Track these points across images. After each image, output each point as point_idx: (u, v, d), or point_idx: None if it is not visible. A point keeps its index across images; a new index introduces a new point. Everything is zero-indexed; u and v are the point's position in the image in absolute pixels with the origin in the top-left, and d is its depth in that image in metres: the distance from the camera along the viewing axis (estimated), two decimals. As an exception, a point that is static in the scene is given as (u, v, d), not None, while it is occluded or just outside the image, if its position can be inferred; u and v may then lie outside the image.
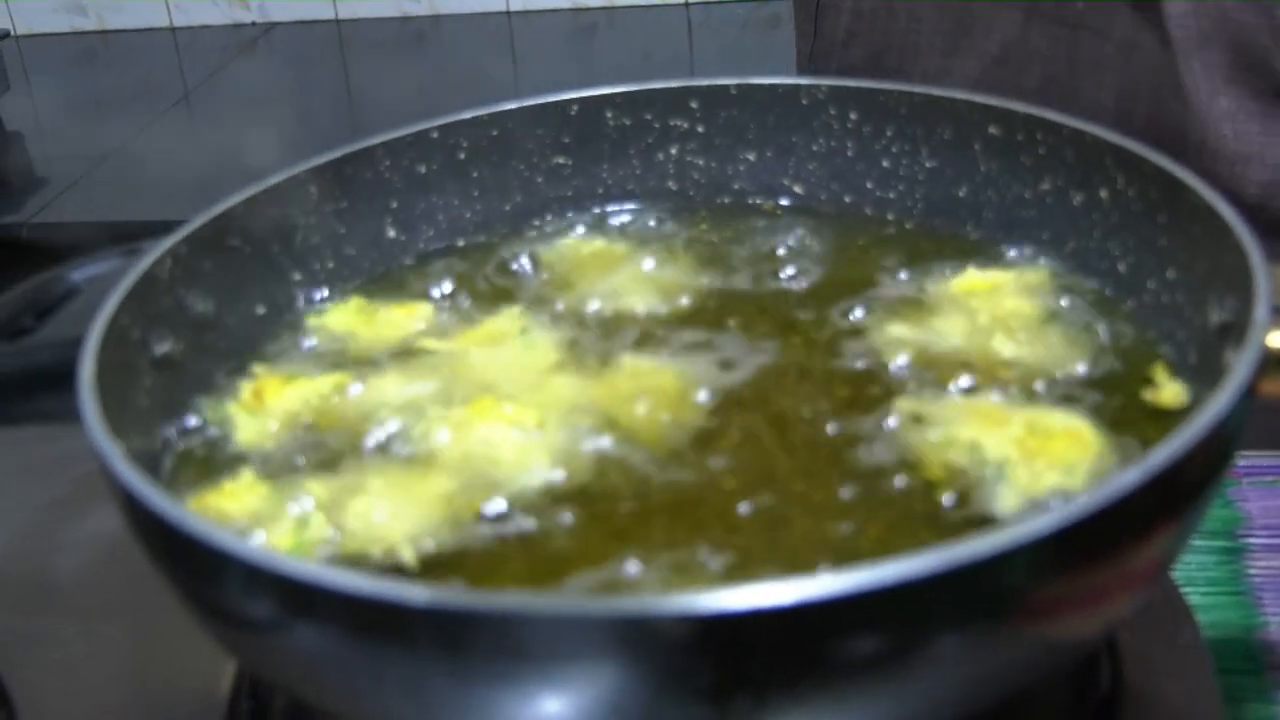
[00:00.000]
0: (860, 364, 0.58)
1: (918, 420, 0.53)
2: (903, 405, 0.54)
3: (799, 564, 0.47)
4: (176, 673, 0.62)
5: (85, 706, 0.62)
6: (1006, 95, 0.90)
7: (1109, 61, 0.88)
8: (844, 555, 0.47)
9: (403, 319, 0.63)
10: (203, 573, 0.42)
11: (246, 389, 0.57)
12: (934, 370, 0.57)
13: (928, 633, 0.39)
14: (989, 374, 0.56)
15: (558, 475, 0.52)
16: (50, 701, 0.62)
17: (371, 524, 0.49)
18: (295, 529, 0.50)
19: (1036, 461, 0.50)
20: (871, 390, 0.56)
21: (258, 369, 0.59)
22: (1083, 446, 0.51)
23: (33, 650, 0.64)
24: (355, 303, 0.64)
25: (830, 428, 0.54)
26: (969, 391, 0.55)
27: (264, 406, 0.56)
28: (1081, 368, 0.56)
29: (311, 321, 0.63)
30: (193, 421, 0.56)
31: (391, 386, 0.58)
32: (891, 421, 0.54)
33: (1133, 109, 0.88)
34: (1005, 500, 0.49)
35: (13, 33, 2.12)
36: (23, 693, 0.61)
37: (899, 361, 0.58)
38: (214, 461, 0.55)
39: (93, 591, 0.68)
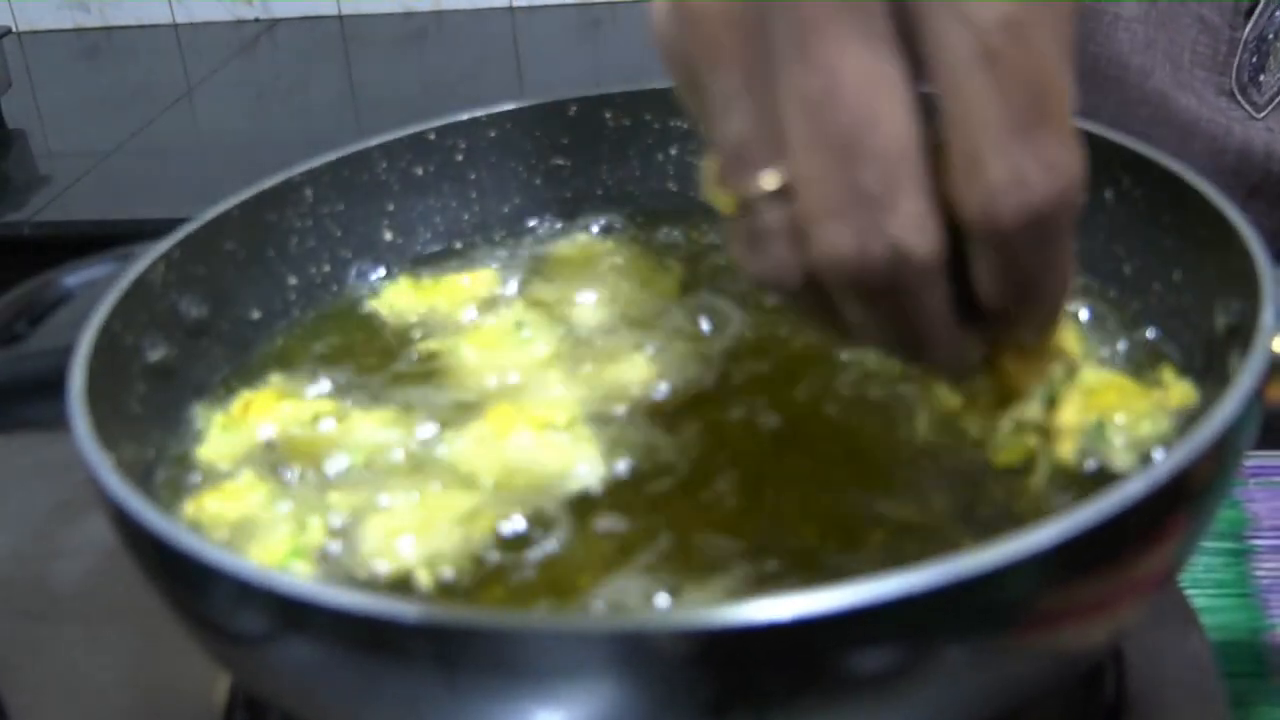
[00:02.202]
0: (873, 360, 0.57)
1: (968, 407, 0.53)
2: (939, 400, 0.54)
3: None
4: (175, 680, 0.62)
5: (83, 713, 0.62)
6: None
7: None
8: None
9: (466, 286, 0.64)
10: (194, 588, 0.42)
11: (239, 401, 0.57)
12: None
13: (931, 647, 0.38)
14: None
15: (594, 478, 0.52)
16: (48, 708, 0.62)
17: (389, 546, 0.49)
18: (291, 533, 0.49)
19: (1119, 415, 0.51)
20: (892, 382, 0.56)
21: (274, 377, 0.59)
22: (1139, 394, 0.52)
23: (31, 656, 0.64)
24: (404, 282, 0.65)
25: (876, 427, 0.54)
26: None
27: (245, 421, 0.55)
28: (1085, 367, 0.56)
29: (370, 302, 0.64)
30: (186, 430, 0.56)
31: (391, 401, 0.57)
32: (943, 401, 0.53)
33: None
34: (1119, 458, 0.50)
35: (15, 29, 2.12)
36: (21, 699, 0.61)
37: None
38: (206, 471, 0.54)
39: (91, 598, 0.67)
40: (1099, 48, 0.87)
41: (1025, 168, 0.36)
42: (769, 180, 0.38)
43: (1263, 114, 0.85)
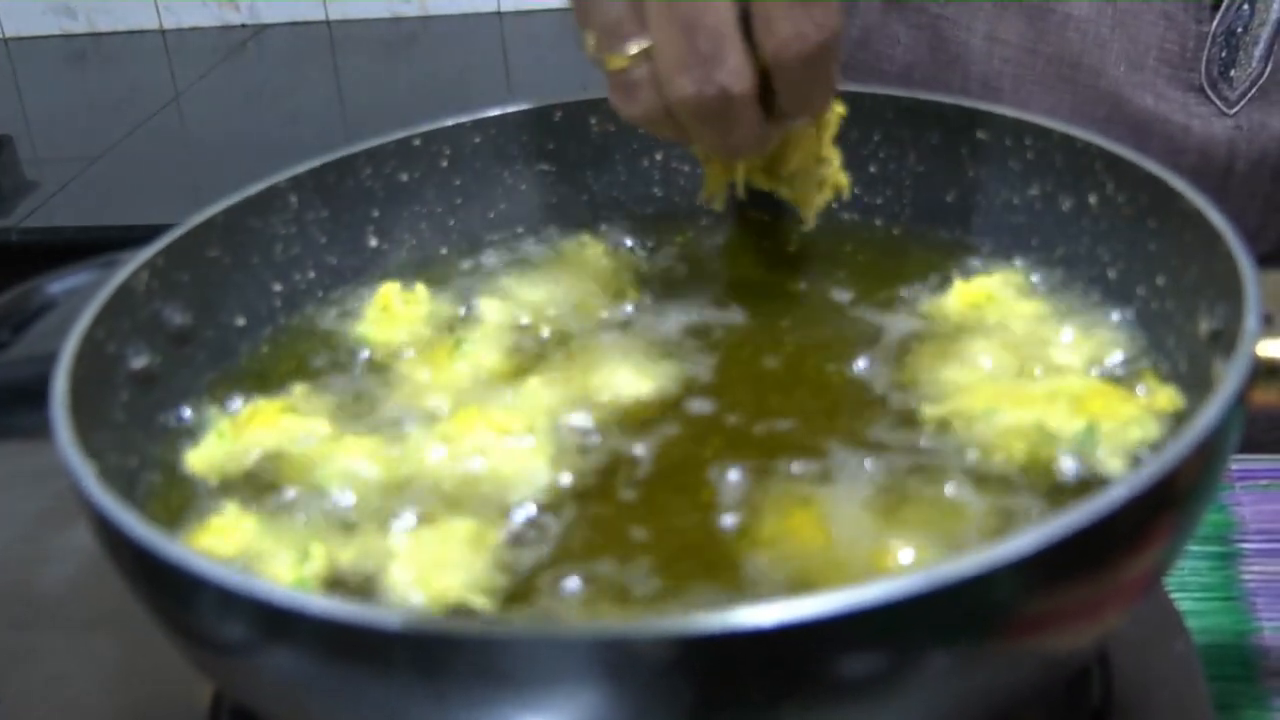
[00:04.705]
0: (858, 366, 0.58)
1: (956, 416, 0.54)
2: (930, 409, 0.54)
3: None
4: (161, 687, 0.62)
5: (70, 719, 0.61)
6: (869, 79, 0.91)
7: (973, 54, 0.90)
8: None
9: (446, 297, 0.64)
10: (177, 596, 0.41)
11: (246, 410, 0.56)
12: (932, 370, 0.57)
13: (914, 653, 0.38)
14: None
15: (564, 479, 0.52)
16: (34, 716, 0.61)
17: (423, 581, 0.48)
18: (294, 563, 0.49)
19: (1108, 420, 0.52)
20: (868, 379, 0.57)
21: (298, 388, 0.58)
22: (1125, 400, 0.53)
23: (18, 663, 0.64)
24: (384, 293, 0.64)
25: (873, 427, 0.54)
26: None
27: (241, 435, 0.55)
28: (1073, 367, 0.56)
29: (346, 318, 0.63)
30: (170, 437, 0.56)
31: (368, 421, 0.57)
32: (929, 412, 0.54)
33: (998, 98, 0.90)
34: (1109, 462, 0.51)
35: (1, 35, 2.11)
36: (7, 707, 0.61)
37: (892, 357, 0.58)
38: (192, 481, 0.54)
39: (78, 604, 0.67)
40: (1050, 48, 0.87)
41: (803, 25, 0.53)
42: (635, 46, 0.54)
43: (1234, 109, 0.85)
